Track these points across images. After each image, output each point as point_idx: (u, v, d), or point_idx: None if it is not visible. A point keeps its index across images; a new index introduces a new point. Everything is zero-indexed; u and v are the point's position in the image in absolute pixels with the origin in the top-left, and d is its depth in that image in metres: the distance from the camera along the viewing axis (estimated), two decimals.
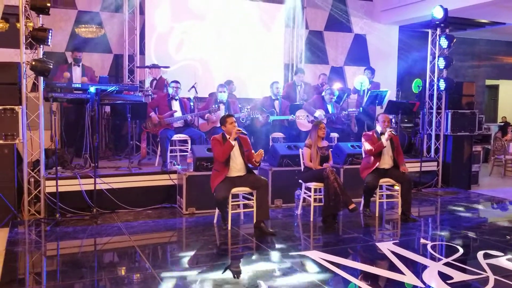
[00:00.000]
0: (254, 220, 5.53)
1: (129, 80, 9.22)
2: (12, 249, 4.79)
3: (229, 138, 5.46)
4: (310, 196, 6.13)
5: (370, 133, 6.35)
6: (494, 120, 14.60)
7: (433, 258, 4.70)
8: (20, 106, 5.85)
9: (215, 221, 5.81)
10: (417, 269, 4.38)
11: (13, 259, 4.54)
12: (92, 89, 6.72)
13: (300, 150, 6.40)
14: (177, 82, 7.36)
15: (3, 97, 5.71)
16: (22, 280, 4.15)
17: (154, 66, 8.67)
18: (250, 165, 5.69)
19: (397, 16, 10.97)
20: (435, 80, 8.59)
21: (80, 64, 8.00)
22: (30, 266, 4.50)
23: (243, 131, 5.55)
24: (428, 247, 5.05)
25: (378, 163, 6.17)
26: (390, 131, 6.11)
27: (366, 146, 6.22)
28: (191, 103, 8.03)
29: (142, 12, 9.33)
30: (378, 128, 6.30)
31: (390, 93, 8.95)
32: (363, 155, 6.42)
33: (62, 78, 7.51)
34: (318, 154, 6.10)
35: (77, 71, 7.89)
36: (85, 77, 7.87)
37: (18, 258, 4.62)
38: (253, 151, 5.72)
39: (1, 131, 5.68)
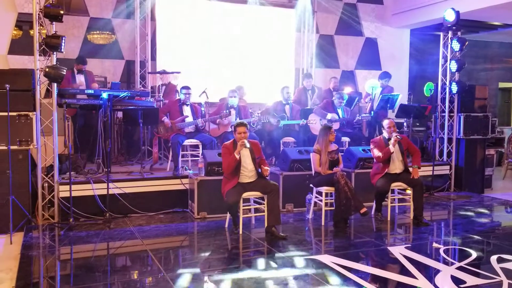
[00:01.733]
0: (266, 225, 5.54)
1: (140, 86, 9.30)
2: (27, 253, 4.85)
3: (242, 145, 5.45)
4: (321, 201, 6.13)
5: (378, 139, 6.32)
6: (508, 123, 14.44)
7: (446, 262, 4.67)
8: (34, 112, 5.93)
9: (226, 225, 5.83)
10: (430, 273, 4.35)
11: (27, 263, 4.59)
12: (104, 95, 6.80)
13: (311, 154, 6.40)
14: (188, 88, 7.38)
15: (18, 103, 5.78)
16: (36, 284, 4.20)
17: (166, 72, 8.74)
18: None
19: (408, 20, 10.94)
20: (447, 83, 8.54)
21: (84, 70, 8.04)
22: (44, 270, 4.55)
23: (246, 145, 5.43)
24: (441, 251, 5.02)
25: (387, 169, 6.15)
26: (396, 136, 6.08)
27: (374, 153, 6.21)
28: (202, 109, 8.07)
29: (153, 18, 9.42)
30: (385, 134, 6.28)
31: (402, 97, 8.92)
32: (374, 160, 6.40)
33: (68, 84, 7.60)
34: (328, 159, 6.09)
35: (81, 78, 7.96)
36: (89, 82, 7.94)
37: (33, 262, 4.68)
38: (263, 159, 5.74)
39: (15, 137, 5.75)
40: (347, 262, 4.57)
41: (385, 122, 6.30)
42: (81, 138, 7.40)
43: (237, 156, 5.43)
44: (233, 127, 5.77)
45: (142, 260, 4.89)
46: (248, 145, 5.44)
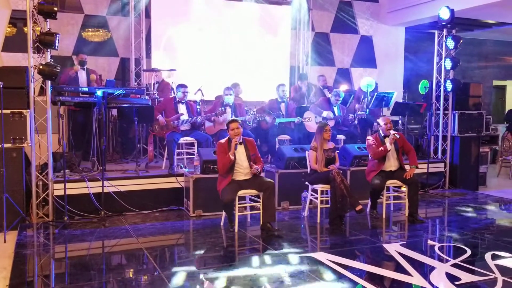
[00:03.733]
0: (261, 222, 5.54)
1: (135, 83, 9.27)
2: (21, 252, 4.83)
3: (235, 145, 5.44)
4: (316, 198, 6.13)
5: (374, 136, 6.32)
6: (502, 121, 14.50)
7: (440, 260, 4.68)
8: (28, 110, 5.89)
9: (222, 223, 5.82)
10: (425, 271, 4.36)
11: (22, 262, 4.57)
12: (99, 92, 6.76)
13: (306, 152, 6.40)
14: (185, 86, 7.33)
15: (12, 101, 5.73)
16: (31, 283, 4.18)
17: (161, 70, 8.71)
18: None
19: (403, 17, 10.95)
20: (442, 81, 8.56)
21: (85, 67, 8.05)
22: (38, 269, 4.54)
23: (237, 144, 5.45)
24: (436, 248, 5.03)
25: (383, 166, 6.16)
26: (394, 135, 6.07)
27: (370, 151, 6.21)
28: (198, 106, 8.05)
29: (148, 15, 9.38)
30: (380, 131, 6.28)
31: (397, 95, 8.92)
32: (369, 158, 6.40)
33: (71, 71, 7.63)
34: (324, 156, 6.09)
35: (83, 74, 7.95)
36: (90, 80, 7.94)
37: (27, 260, 4.65)
38: (258, 156, 5.74)
39: (9, 134, 5.72)
40: (342, 260, 4.57)
41: (381, 119, 6.31)
42: (76, 136, 7.38)
43: (232, 157, 5.42)
44: (226, 125, 5.75)
45: (137, 258, 4.87)
46: (240, 141, 5.48)
